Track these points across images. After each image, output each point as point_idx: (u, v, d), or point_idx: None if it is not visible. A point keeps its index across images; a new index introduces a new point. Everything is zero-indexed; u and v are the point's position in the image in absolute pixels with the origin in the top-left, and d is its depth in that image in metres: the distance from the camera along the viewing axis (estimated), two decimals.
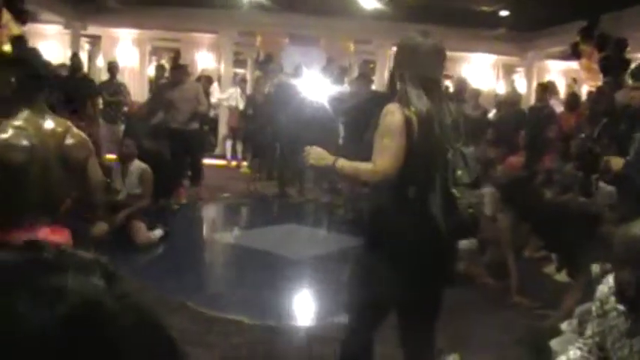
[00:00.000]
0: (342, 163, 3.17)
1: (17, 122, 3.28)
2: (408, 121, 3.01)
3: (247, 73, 17.40)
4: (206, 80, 13.45)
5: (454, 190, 3.12)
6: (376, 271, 3.11)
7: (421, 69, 3.13)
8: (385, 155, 3.03)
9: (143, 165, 7.60)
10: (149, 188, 7.59)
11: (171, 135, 9.76)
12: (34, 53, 3.74)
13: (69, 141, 3.38)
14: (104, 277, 0.61)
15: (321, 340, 4.86)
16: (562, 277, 6.32)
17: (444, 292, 3.29)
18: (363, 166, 3.13)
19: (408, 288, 3.07)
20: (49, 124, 3.36)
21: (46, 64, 3.61)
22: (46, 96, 3.51)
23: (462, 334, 5.04)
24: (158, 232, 7.55)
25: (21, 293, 0.55)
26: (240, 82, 14.71)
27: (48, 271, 0.58)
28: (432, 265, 3.09)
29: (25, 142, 3.24)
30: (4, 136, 3.24)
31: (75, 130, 3.48)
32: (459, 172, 3.15)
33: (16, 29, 11.37)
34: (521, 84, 17.00)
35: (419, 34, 3.21)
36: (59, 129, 3.37)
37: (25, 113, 3.30)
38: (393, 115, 3.05)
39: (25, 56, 3.65)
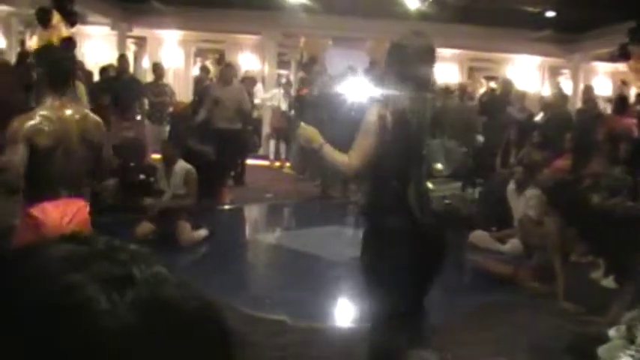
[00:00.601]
0: (327, 150, 3.42)
1: (43, 111, 3.81)
2: (382, 120, 3.26)
3: (291, 74, 17.46)
4: (250, 81, 13.52)
5: (428, 183, 3.30)
6: (371, 252, 3.48)
7: (407, 68, 3.36)
8: (357, 152, 3.34)
9: (188, 166, 7.66)
10: (194, 188, 7.65)
11: (215, 135, 9.84)
12: (60, 51, 4.14)
13: (88, 125, 3.95)
14: (162, 265, 0.62)
15: (365, 342, 4.85)
16: (609, 282, 6.22)
17: (432, 273, 3.60)
18: (340, 159, 3.43)
19: (396, 267, 3.31)
20: (70, 111, 3.89)
21: (70, 61, 4.20)
22: (69, 88, 4.08)
23: (507, 339, 4.99)
24: (202, 232, 7.61)
25: (90, 285, 0.55)
26: (285, 84, 14.70)
27: (109, 262, 0.58)
28: (415, 249, 3.29)
29: (49, 128, 3.75)
30: (33, 122, 3.74)
31: (92, 115, 4.07)
32: (439, 166, 3.33)
33: (65, 30, 11.56)
34: (567, 86, 16.76)
35: (412, 34, 3.48)
36: (78, 115, 3.93)
37: (49, 102, 3.84)
38: (369, 114, 3.32)
39: (49, 54, 4.25)
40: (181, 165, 7.63)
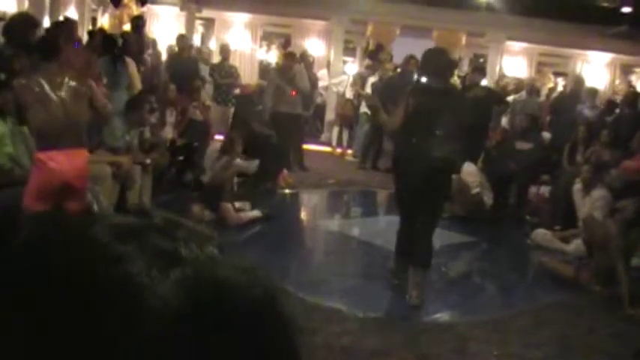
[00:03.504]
0: (382, 112, 5.89)
1: (36, 75, 4.71)
2: (407, 103, 5.34)
3: (356, 61, 17.39)
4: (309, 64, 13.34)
5: (431, 143, 5.21)
6: (400, 180, 5.61)
7: (428, 72, 5.52)
8: (392, 120, 5.57)
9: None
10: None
11: (276, 119, 9.88)
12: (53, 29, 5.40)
13: (72, 85, 4.75)
14: (217, 247, 0.58)
15: (422, 334, 4.81)
16: None
17: (435, 196, 5.45)
18: (384, 119, 5.88)
19: (413, 190, 5.35)
20: (59, 76, 4.71)
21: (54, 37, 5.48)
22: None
23: (570, 342, 4.89)
24: (251, 214, 7.60)
25: (136, 260, 0.52)
26: (358, 77, 14.29)
27: (159, 237, 0.55)
28: (423, 179, 5.21)
29: (38, 87, 4.60)
30: (23, 82, 4.71)
31: (73, 81, 4.81)
32: (439, 132, 5.23)
33: (136, 10, 11.76)
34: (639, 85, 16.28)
35: (435, 50, 6.03)
36: (66, 79, 4.72)
37: (43, 70, 4.75)
38: (401, 100, 5.51)
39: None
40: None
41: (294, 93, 10.39)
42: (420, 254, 5.49)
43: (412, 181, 5.31)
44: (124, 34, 9.72)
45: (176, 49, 11.94)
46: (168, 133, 8.93)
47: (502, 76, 14.63)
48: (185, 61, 11.07)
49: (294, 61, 10.74)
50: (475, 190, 8.68)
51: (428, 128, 5.23)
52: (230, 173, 7.67)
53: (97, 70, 7.50)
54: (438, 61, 5.51)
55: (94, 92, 5.15)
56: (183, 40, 11.87)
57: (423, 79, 5.53)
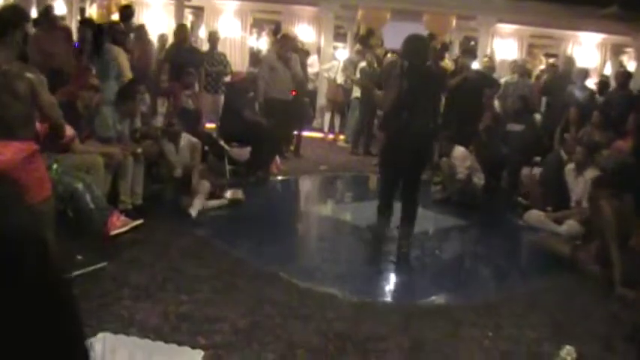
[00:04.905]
0: (378, 92, 7.39)
1: None
2: (400, 83, 6.13)
3: (347, 47, 17.33)
4: (303, 53, 13.36)
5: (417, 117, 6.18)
6: (387, 152, 6.61)
7: (410, 54, 6.23)
8: (387, 97, 6.41)
9: (193, 139, 7.78)
10: (198, 158, 7.84)
11: (270, 106, 9.83)
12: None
13: (15, 77, 4.54)
14: None
15: (416, 318, 4.81)
16: None
17: (420, 168, 6.61)
18: (377, 96, 7.24)
19: (400, 162, 6.28)
20: (6, 66, 4.53)
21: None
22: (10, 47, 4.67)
23: (563, 323, 4.90)
24: (212, 203, 7.55)
25: None
26: (349, 63, 14.23)
27: None
28: (411, 151, 6.19)
29: None
30: None
31: (18, 69, 4.63)
32: (423, 105, 6.20)
33: None
34: (630, 66, 16.26)
35: (413, 36, 6.47)
36: (12, 70, 4.55)
37: None
38: (391, 79, 6.49)
39: None
40: (186, 138, 7.68)
41: (294, 92, 10.38)
42: (411, 213, 6.43)
43: (401, 149, 6.19)
44: (112, 24, 9.65)
45: (171, 38, 11.85)
46: (160, 122, 8.87)
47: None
48: (187, 51, 10.95)
49: (290, 43, 10.72)
50: (460, 176, 8.69)
51: (415, 102, 6.13)
52: (195, 164, 7.69)
53: (84, 62, 7.45)
54: (418, 46, 6.37)
55: (37, 88, 4.72)
56: (183, 29, 11.76)
57: (404, 61, 6.26)
